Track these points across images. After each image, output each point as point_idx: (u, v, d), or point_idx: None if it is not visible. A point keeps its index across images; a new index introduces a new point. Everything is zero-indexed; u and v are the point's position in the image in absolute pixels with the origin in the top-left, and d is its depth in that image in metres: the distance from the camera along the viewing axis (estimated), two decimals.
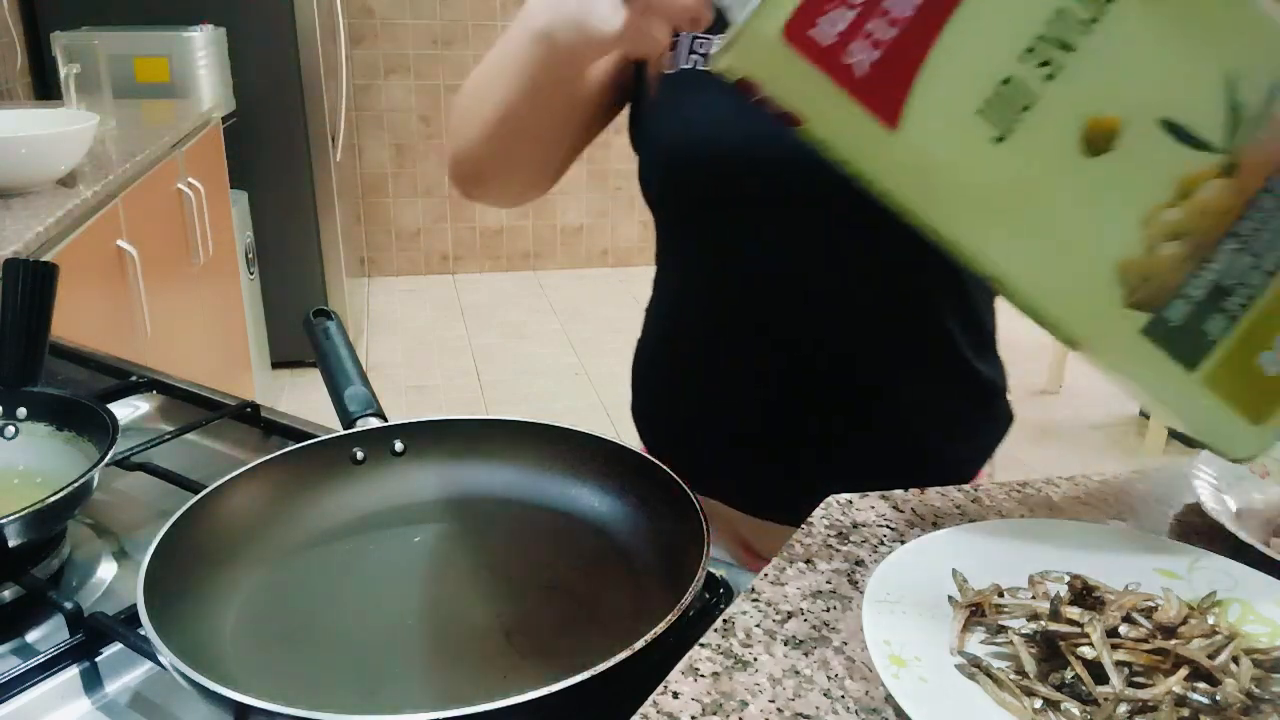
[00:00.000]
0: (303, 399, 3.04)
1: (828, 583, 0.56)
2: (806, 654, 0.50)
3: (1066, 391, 3.33)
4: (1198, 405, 0.51)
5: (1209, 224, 0.48)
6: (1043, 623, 0.49)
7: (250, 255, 2.87)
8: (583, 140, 0.84)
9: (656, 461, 0.65)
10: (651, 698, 0.46)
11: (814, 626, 0.52)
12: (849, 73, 0.46)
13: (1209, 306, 0.49)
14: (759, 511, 0.86)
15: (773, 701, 0.47)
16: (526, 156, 0.80)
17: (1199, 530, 0.62)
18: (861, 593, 0.53)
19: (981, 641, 0.50)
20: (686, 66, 0.75)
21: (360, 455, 0.71)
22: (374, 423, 0.73)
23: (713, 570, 0.61)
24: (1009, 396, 0.90)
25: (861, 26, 0.45)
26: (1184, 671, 0.45)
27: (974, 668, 0.47)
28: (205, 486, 0.63)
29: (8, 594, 0.62)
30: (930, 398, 0.83)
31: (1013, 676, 0.46)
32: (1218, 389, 0.50)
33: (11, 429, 0.75)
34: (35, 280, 0.76)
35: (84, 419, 0.73)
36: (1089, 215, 0.48)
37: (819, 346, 0.81)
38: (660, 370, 0.91)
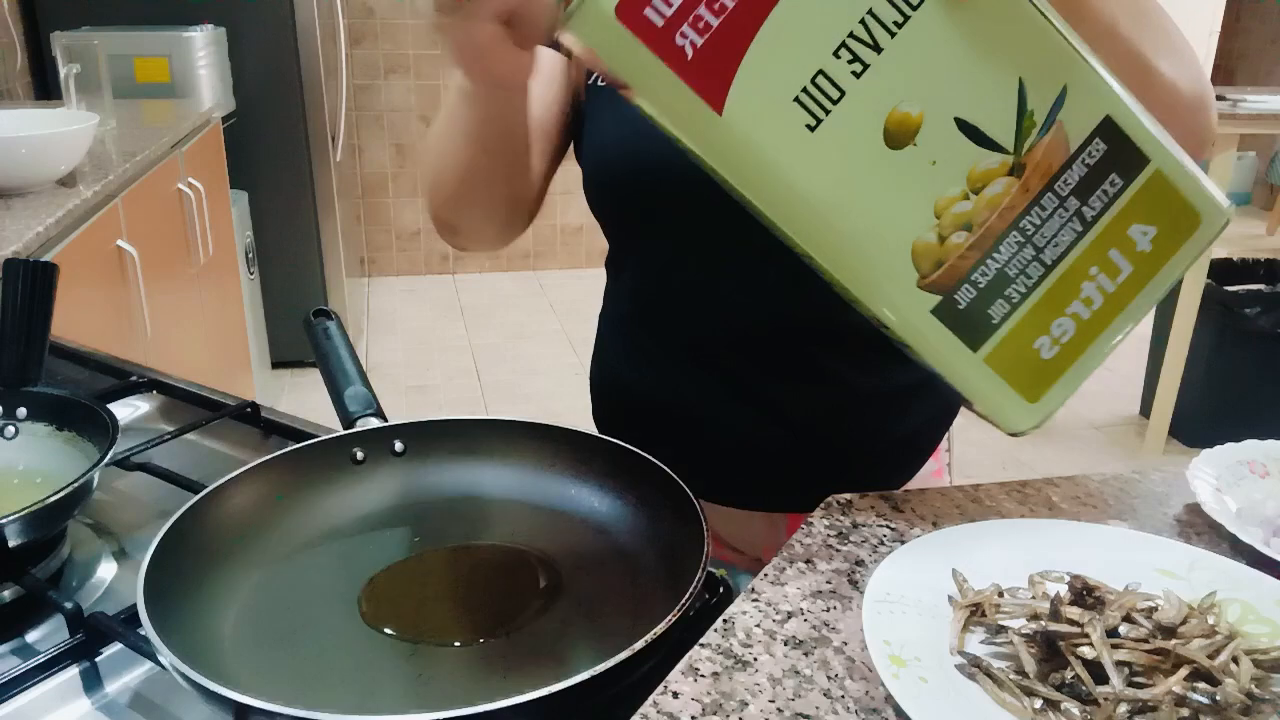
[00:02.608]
0: (303, 399, 3.04)
1: (828, 583, 0.56)
2: (806, 654, 0.50)
3: None
4: (980, 382, 0.55)
5: (996, 218, 0.52)
6: (1043, 623, 0.49)
7: (250, 255, 2.87)
8: (552, 170, 0.85)
9: (656, 462, 0.65)
10: (651, 698, 0.47)
11: (814, 626, 0.52)
12: (679, 54, 0.49)
13: (993, 293, 0.54)
14: (723, 502, 0.87)
15: (773, 701, 0.47)
16: (498, 202, 0.81)
17: (1199, 530, 0.62)
18: (861, 593, 0.53)
19: (981, 641, 0.50)
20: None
21: (360, 455, 0.71)
22: (374, 423, 0.73)
23: (713, 570, 0.61)
24: None
25: (692, 10, 0.48)
26: (1184, 671, 0.45)
27: (974, 668, 0.47)
28: (205, 486, 0.63)
29: (8, 594, 0.62)
30: (880, 383, 0.84)
31: (1013, 676, 0.46)
32: (999, 368, 0.55)
33: (11, 429, 0.74)
34: (35, 280, 0.76)
35: (84, 419, 0.73)
36: (888, 203, 0.52)
37: (763, 345, 0.82)
38: (617, 376, 0.93)
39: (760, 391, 0.83)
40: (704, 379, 0.84)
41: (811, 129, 0.50)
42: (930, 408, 0.89)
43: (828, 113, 0.50)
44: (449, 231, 0.83)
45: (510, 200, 0.81)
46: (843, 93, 0.50)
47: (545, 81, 0.81)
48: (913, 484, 0.89)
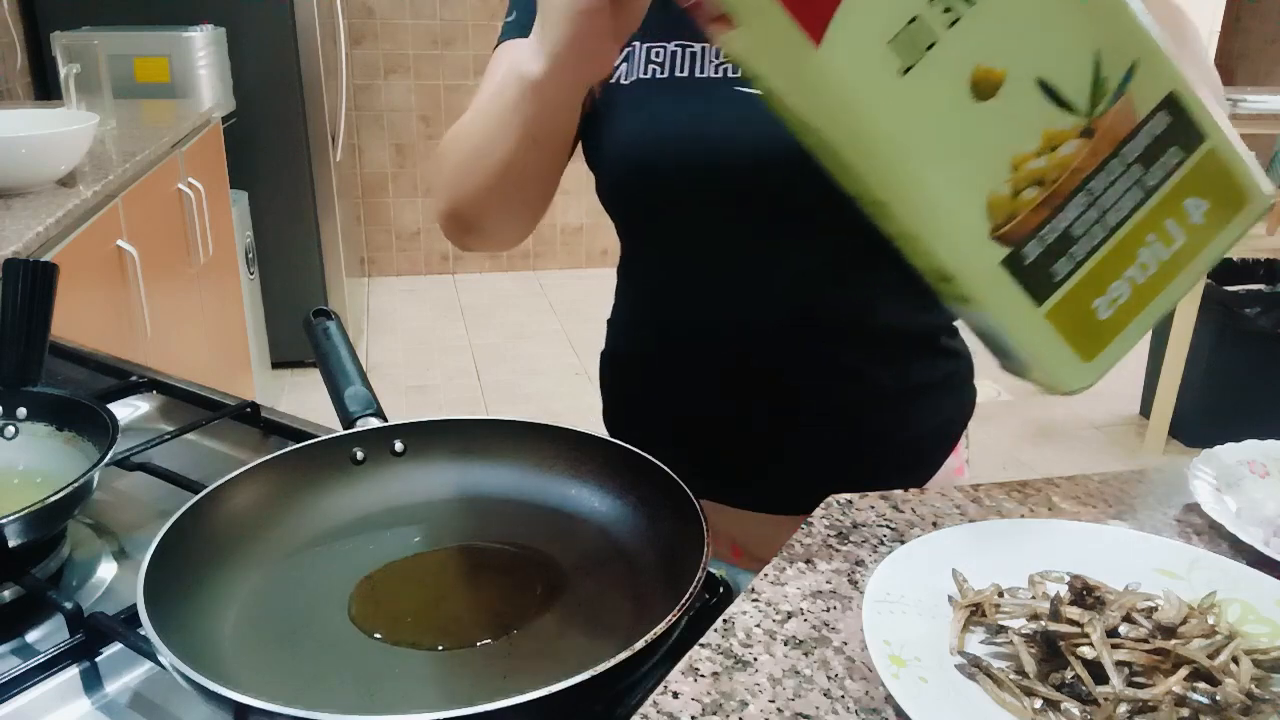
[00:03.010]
0: (303, 399, 3.04)
1: (828, 583, 0.56)
2: (806, 654, 0.50)
3: None
4: (1039, 338, 0.57)
5: (1066, 177, 0.54)
6: (1043, 623, 0.49)
7: (250, 255, 2.87)
8: (560, 171, 0.85)
9: (656, 461, 0.65)
10: (651, 698, 0.47)
11: (814, 626, 0.52)
12: None
13: (1058, 250, 0.55)
14: (743, 504, 0.87)
15: (773, 701, 0.47)
16: (531, 199, 0.80)
17: (1199, 530, 0.62)
18: (861, 593, 0.53)
19: (981, 641, 0.50)
20: (642, 76, 0.76)
21: (360, 455, 0.71)
22: (374, 423, 0.73)
23: (713, 570, 0.61)
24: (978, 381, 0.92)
25: None
26: (1184, 671, 0.45)
27: (974, 668, 0.47)
28: (205, 486, 0.63)
29: (8, 594, 0.62)
30: (899, 379, 0.84)
31: (1013, 676, 0.46)
32: (1058, 324, 0.56)
33: (11, 429, 0.75)
34: (35, 280, 0.76)
35: (84, 419, 0.73)
36: (969, 153, 0.54)
37: (786, 343, 0.82)
38: (631, 379, 0.93)
39: (778, 391, 0.83)
40: (720, 379, 0.84)
41: (902, 73, 0.51)
42: (948, 405, 0.90)
43: (919, 58, 0.51)
44: (464, 229, 0.82)
45: (542, 198, 0.81)
46: (935, 40, 0.51)
47: None
48: (933, 481, 0.89)
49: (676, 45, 0.76)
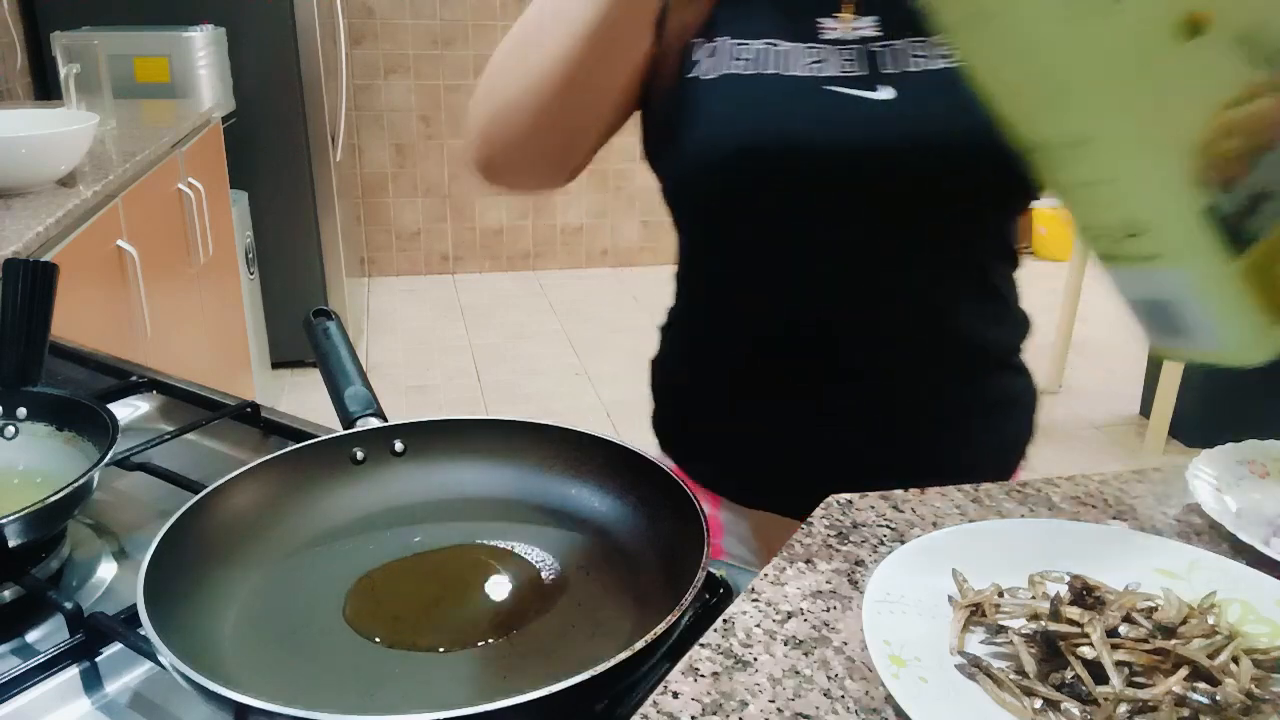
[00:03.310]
0: (303, 399, 3.04)
1: (828, 583, 0.56)
2: (806, 654, 0.50)
3: (1066, 391, 3.33)
4: (1228, 295, 0.55)
5: (1260, 131, 0.53)
6: (1043, 623, 0.49)
7: (250, 255, 2.87)
8: (608, 132, 0.82)
9: (656, 461, 0.65)
10: (651, 698, 0.47)
11: (814, 626, 0.52)
12: None
13: (1252, 206, 0.54)
14: (791, 511, 0.85)
15: (773, 701, 0.47)
16: (569, 124, 0.78)
17: (1199, 530, 0.62)
18: (861, 593, 0.53)
19: (981, 641, 0.50)
20: (729, 72, 0.75)
21: (360, 455, 0.71)
22: (374, 423, 0.73)
23: (713, 570, 0.61)
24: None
25: None
26: (1184, 671, 0.45)
27: (974, 668, 0.47)
28: (205, 486, 0.63)
29: (8, 594, 0.62)
30: (964, 397, 0.83)
31: (1013, 676, 0.46)
32: (1248, 283, 0.55)
33: (11, 429, 0.75)
34: (35, 280, 0.76)
35: (84, 419, 0.73)
36: (1173, 93, 0.53)
37: (858, 349, 0.80)
38: (692, 385, 0.90)
39: (835, 397, 0.82)
40: (775, 384, 0.83)
41: (1117, 1, 0.51)
42: (1013, 426, 0.88)
43: None
44: (498, 157, 0.79)
45: (580, 133, 0.79)
46: None
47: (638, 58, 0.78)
48: None
49: (764, 43, 0.75)
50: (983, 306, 0.82)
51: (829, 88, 0.73)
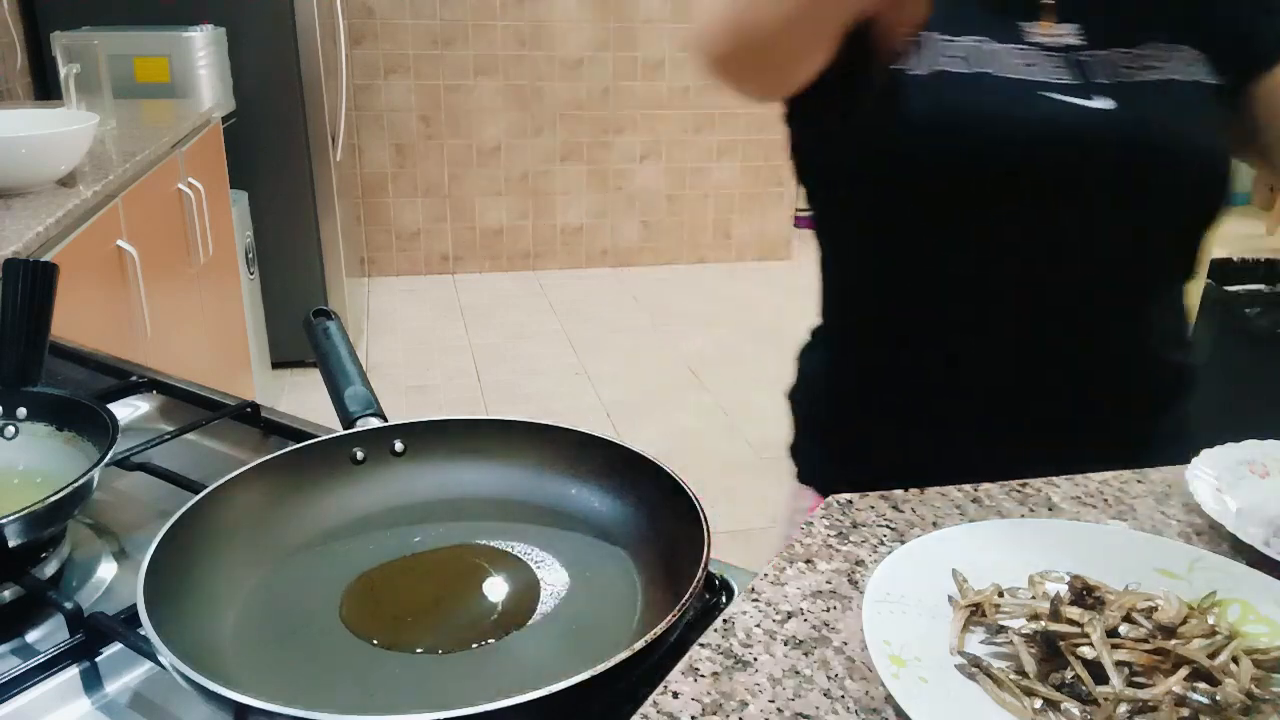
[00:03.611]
0: (303, 399, 3.04)
1: (828, 583, 0.56)
2: (806, 654, 0.50)
3: None
4: None
5: None
6: (1043, 623, 0.49)
7: (250, 255, 2.87)
8: (821, 59, 0.75)
9: (657, 461, 0.65)
10: (651, 698, 0.47)
11: (814, 626, 0.52)
12: None
13: None
14: None
15: (773, 701, 0.47)
16: (821, 34, 0.71)
17: (1199, 530, 0.62)
18: (861, 593, 0.53)
19: (981, 641, 0.50)
20: (943, 69, 0.73)
21: (360, 455, 0.71)
22: (374, 423, 0.73)
23: (713, 570, 0.61)
24: None
25: None
26: (1184, 671, 0.45)
27: (974, 668, 0.47)
28: (205, 486, 0.63)
29: (8, 594, 0.62)
30: (1142, 429, 0.82)
31: (1013, 676, 0.46)
32: None
33: (11, 429, 0.74)
34: (35, 280, 0.76)
35: (84, 419, 0.73)
36: None
37: (1055, 363, 0.78)
38: (860, 410, 0.87)
39: (1037, 414, 0.79)
40: (969, 395, 0.80)
41: None
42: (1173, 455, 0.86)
43: None
44: (751, 37, 0.71)
45: (829, 31, 0.72)
46: None
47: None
48: None
49: (974, 40, 0.74)
50: (1168, 320, 0.80)
51: (1046, 93, 0.72)
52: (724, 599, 0.60)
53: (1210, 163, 0.61)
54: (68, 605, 0.58)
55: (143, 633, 0.50)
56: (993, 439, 0.80)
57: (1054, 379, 0.80)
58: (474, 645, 0.56)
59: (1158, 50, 0.76)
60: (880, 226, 0.80)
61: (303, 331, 0.82)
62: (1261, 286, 2.84)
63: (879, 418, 0.86)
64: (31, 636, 0.61)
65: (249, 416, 0.88)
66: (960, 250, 0.78)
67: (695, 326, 3.84)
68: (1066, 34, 0.76)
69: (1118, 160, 0.72)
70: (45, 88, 2.74)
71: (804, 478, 0.93)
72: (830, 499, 0.65)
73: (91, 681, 0.57)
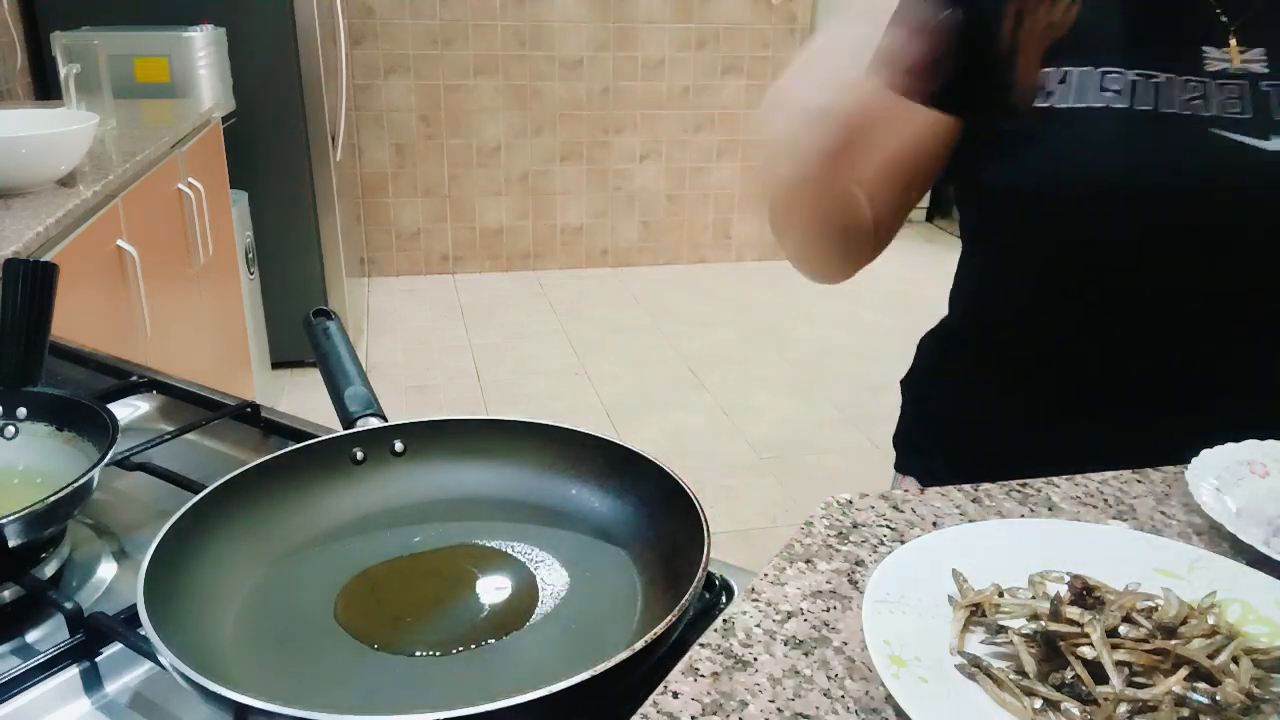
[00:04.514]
0: (303, 399, 3.04)
1: (828, 583, 0.56)
2: (806, 654, 0.50)
3: None
4: None
5: None
6: (1043, 623, 0.49)
7: (250, 255, 2.87)
8: (906, 203, 0.79)
9: (657, 461, 0.65)
10: (651, 698, 0.47)
11: (814, 626, 0.52)
12: None
13: None
14: None
15: (773, 701, 0.47)
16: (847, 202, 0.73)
17: (1199, 530, 0.62)
18: (861, 593, 0.53)
19: (981, 641, 0.50)
20: (1097, 105, 0.70)
21: (360, 455, 0.71)
22: (374, 423, 0.73)
23: (713, 570, 0.61)
24: None
25: None
26: (1184, 671, 0.45)
27: (974, 668, 0.47)
28: (205, 486, 0.63)
29: (8, 594, 0.62)
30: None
31: (1013, 676, 0.46)
32: None
33: (11, 429, 0.74)
34: (35, 280, 0.76)
35: (84, 419, 0.73)
36: None
37: (1177, 405, 0.76)
38: (978, 413, 0.86)
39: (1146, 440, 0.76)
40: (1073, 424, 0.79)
41: None
42: None
43: None
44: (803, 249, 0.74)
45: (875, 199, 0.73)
46: None
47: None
48: None
49: (1136, 74, 0.70)
50: None
51: (1215, 130, 0.68)
52: (724, 599, 0.60)
53: None
54: (68, 605, 0.58)
55: (143, 633, 0.50)
56: (1118, 454, 0.78)
57: (1186, 397, 0.77)
58: (474, 645, 0.56)
59: None
60: (1028, 248, 0.78)
61: (303, 331, 0.82)
62: None
63: (1001, 411, 0.84)
64: (31, 636, 0.61)
65: (249, 416, 0.88)
66: (1107, 278, 0.75)
67: (695, 326, 3.84)
68: (1253, 60, 0.70)
69: None
70: (45, 88, 2.74)
71: (902, 466, 0.91)
72: (830, 498, 0.65)
73: (91, 681, 0.57)
